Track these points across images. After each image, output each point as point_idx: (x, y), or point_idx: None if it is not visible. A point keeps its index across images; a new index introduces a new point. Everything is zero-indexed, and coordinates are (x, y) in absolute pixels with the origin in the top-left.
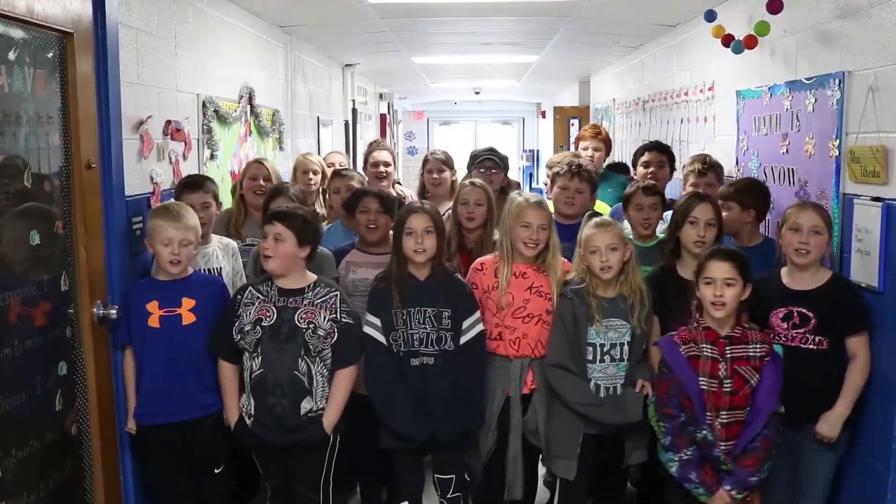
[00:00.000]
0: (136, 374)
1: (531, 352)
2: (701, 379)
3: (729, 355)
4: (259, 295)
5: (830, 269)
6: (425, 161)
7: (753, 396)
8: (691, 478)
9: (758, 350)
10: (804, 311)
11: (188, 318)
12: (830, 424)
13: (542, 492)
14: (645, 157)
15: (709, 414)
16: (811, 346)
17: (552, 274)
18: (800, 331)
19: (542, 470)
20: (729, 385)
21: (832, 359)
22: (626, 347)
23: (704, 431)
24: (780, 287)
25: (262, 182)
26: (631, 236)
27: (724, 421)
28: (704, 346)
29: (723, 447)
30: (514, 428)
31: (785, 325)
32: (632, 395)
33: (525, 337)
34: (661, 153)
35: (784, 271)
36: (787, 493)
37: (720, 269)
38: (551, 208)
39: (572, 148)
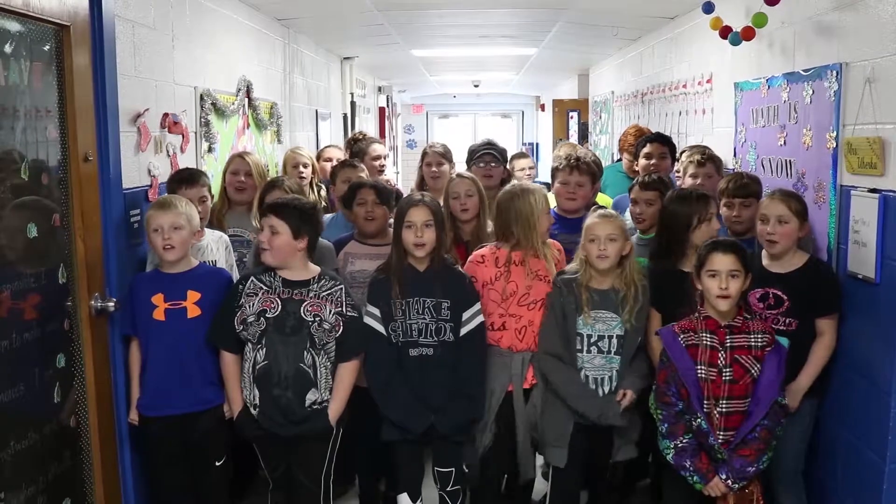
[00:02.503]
0: (141, 365)
1: (533, 343)
2: (699, 368)
3: (729, 344)
4: (262, 285)
5: (807, 253)
6: (424, 154)
7: (755, 387)
8: (686, 465)
9: (759, 340)
10: (779, 293)
11: (193, 312)
12: (790, 395)
13: (540, 483)
14: (647, 149)
15: (707, 403)
16: (781, 328)
17: (546, 257)
18: (773, 312)
19: (540, 460)
20: (728, 374)
21: (800, 340)
22: (615, 340)
23: (699, 420)
24: (760, 268)
25: (242, 178)
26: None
27: (724, 410)
28: (704, 335)
29: (721, 437)
30: (520, 417)
31: (761, 306)
32: (613, 402)
33: (531, 325)
34: (662, 145)
35: (764, 253)
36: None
37: (724, 262)
38: (553, 202)
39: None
